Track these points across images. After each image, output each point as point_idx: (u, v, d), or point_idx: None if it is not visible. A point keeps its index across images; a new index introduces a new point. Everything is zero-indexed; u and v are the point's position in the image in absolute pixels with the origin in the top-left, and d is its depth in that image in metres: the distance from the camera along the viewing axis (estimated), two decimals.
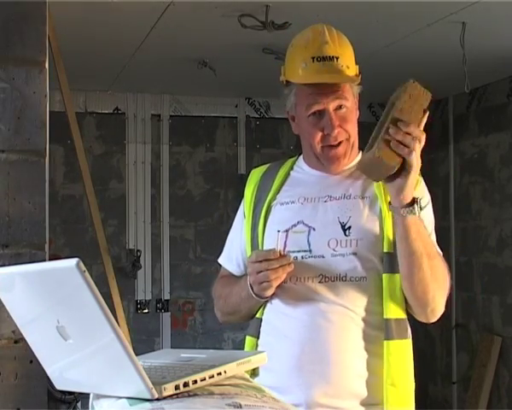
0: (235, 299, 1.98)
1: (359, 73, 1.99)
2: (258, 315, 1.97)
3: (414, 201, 1.80)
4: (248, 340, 1.99)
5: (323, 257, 1.88)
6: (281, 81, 2.02)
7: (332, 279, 1.86)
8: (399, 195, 1.78)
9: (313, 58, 1.92)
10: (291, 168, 2.06)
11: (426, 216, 1.95)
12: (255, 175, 2.10)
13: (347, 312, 1.86)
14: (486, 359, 5.28)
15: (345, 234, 1.89)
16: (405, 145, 1.70)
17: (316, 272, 1.87)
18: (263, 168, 2.11)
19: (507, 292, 5.20)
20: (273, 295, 1.90)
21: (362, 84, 2.01)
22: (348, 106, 1.94)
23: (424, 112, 1.74)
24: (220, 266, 2.16)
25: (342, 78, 1.93)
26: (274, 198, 1.99)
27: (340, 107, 1.93)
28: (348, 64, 1.94)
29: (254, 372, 1.87)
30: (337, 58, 1.92)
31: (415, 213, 1.80)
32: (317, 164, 2.00)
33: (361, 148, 2.07)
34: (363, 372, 1.86)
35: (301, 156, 2.08)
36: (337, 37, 1.96)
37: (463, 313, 5.64)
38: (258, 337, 1.96)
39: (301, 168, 2.05)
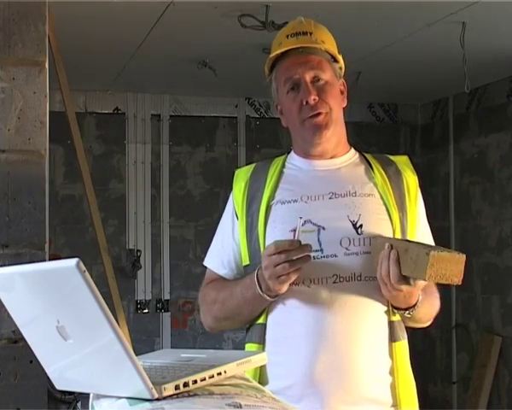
0: (237, 301, 1.87)
1: (344, 66, 2.02)
2: (261, 320, 1.88)
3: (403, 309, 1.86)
4: (251, 347, 1.90)
5: (336, 256, 1.83)
6: (265, 75, 2.02)
7: (347, 279, 1.82)
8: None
9: (287, 36, 1.96)
10: (283, 166, 1.99)
11: (423, 226, 2.00)
12: (242, 175, 2.02)
13: (362, 314, 1.83)
14: (486, 359, 5.28)
15: (357, 232, 1.84)
16: (381, 268, 1.75)
17: (330, 272, 1.82)
18: (249, 168, 2.04)
19: (507, 292, 5.20)
20: (282, 299, 1.84)
21: (348, 67, 2.02)
22: (327, 79, 1.93)
23: (413, 279, 1.73)
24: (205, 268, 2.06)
25: (316, 45, 1.94)
26: (272, 197, 1.92)
27: (317, 79, 1.92)
28: (324, 39, 1.96)
29: (263, 380, 1.83)
30: (310, 33, 1.94)
31: (407, 316, 1.87)
32: (303, 146, 1.96)
33: (362, 148, 2.07)
34: (378, 376, 1.84)
35: (291, 153, 2.03)
36: (314, 22, 1.99)
37: (463, 313, 5.64)
38: (262, 344, 1.87)
39: (294, 165, 1.99)
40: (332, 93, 1.93)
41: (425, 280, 1.67)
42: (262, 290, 1.80)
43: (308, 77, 1.90)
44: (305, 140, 1.94)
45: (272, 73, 1.99)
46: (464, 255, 1.68)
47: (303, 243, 1.76)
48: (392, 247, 1.72)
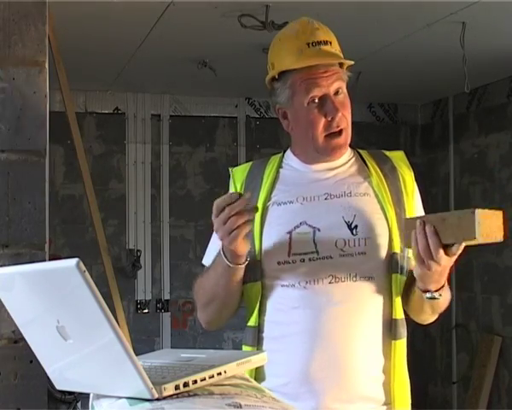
0: (212, 280, 1.87)
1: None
2: (252, 323, 1.90)
3: (433, 290, 1.81)
4: (246, 350, 1.90)
5: (332, 258, 1.83)
6: (270, 78, 1.96)
7: (342, 279, 1.83)
8: (417, 279, 1.80)
9: (308, 44, 1.89)
10: (279, 166, 1.99)
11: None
12: (239, 174, 2.02)
13: (358, 313, 1.83)
14: (486, 359, 5.28)
15: (352, 233, 1.85)
16: (417, 244, 1.70)
17: (325, 273, 1.83)
18: (246, 167, 2.04)
19: (507, 292, 5.20)
20: (278, 299, 1.86)
21: (349, 68, 1.99)
22: (345, 91, 1.92)
23: (458, 243, 1.68)
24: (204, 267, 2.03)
25: (342, 59, 1.92)
26: (268, 198, 1.92)
27: (337, 92, 1.90)
28: (340, 49, 1.94)
29: (260, 377, 1.84)
30: (330, 43, 1.91)
31: (429, 300, 1.83)
32: (314, 157, 1.94)
33: (361, 147, 2.06)
34: (373, 374, 1.85)
35: (288, 153, 2.02)
36: (324, 26, 1.95)
37: (463, 313, 5.64)
38: (256, 346, 1.88)
39: (291, 166, 1.99)
40: (349, 106, 1.93)
41: (475, 239, 1.62)
42: (228, 259, 1.78)
43: (332, 91, 1.89)
44: (321, 155, 1.93)
45: (286, 79, 1.92)
46: (501, 211, 1.65)
47: (296, 244, 1.79)
48: (424, 222, 1.70)
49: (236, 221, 1.68)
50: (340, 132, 1.90)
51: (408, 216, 1.87)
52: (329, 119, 1.88)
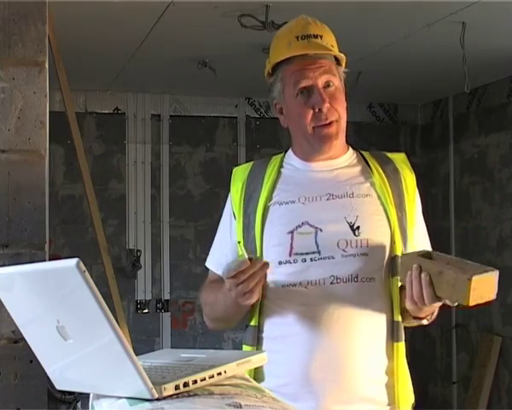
0: (221, 306, 1.88)
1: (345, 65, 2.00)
2: (253, 323, 1.90)
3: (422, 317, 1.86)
4: (246, 349, 1.91)
5: (333, 258, 1.83)
6: (266, 74, 1.98)
7: (344, 280, 1.82)
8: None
9: (297, 37, 1.91)
10: (280, 166, 1.99)
11: (420, 224, 1.99)
12: (240, 174, 2.01)
13: (358, 314, 1.83)
14: (486, 359, 5.28)
15: (354, 234, 1.85)
16: (412, 288, 1.72)
17: (327, 274, 1.82)
18: (247, 166, 2.04)
19: (507, 292, 5.19)
20: (280, 300, 1.86)
21: (348, 67, 1.99)
22: (336, 84, 1.91)
23: (451, 303, 1.71)
24: (208, 269, 2.06)
25: (329, 51, 1.92)
26: (270, 198, 1.92)
27: (328, 85, 1.89)
28: (332, 44, 1.94)
29: (259, 377, 1.83)
30: (321, 36, 1.92)
31: (424, 323, 1.88)
32: (308, 151, 1.94)
33: (362, 147, 2.06)
34: (374, 376, 1.84)
35: (289, 153, 2.02)
36: (319, 23, 1.96)
37: (463, 313, 5.64)
38: (256, 346, 1.88)
39: (292, 165, 1.99)
40: (341, 99, 1.92)
41: (468, 305, 1.66)
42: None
43: (321, 83, 1.88)
44: (313, 147, 1.93)
45: (278, 73, 1.95)
46: (497, 271, 1.71)
47: (298, 244, 1.81)
48: (421, 268, 1.71)
49: (249, 285, 1.72)
50: (330, 124, 1.89)
51: (406, 252, 1.86)
52: (317, 110, 1.88)
